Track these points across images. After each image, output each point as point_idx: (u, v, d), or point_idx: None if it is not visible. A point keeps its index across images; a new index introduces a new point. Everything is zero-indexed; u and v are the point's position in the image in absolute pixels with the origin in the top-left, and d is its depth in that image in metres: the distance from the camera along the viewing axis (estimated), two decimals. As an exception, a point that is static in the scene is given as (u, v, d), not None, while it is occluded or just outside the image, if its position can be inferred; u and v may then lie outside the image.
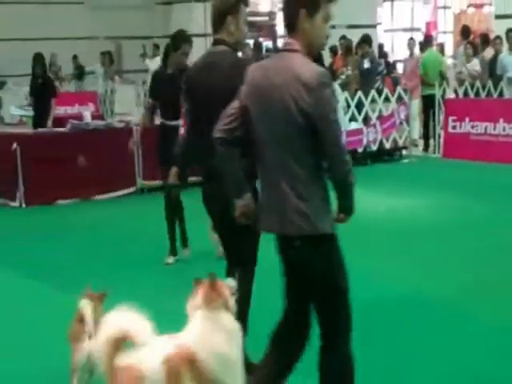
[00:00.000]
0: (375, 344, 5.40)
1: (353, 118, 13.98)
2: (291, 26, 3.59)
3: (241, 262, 4.79)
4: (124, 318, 3.33)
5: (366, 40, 15.97)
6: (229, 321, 3.61)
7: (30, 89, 12.97)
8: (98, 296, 4.58)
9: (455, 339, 5.56)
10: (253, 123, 3.61)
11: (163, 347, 3.41)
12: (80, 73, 22.80)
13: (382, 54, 16.92)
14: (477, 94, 14.66)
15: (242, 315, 4.62)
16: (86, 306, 4.35)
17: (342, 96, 13.85)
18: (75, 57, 22.97)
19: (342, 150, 3.59)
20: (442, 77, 15.29)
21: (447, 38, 25.65)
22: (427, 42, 16.74)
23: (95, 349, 3.77)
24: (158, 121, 7.98)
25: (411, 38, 19.28)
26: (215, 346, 3.52)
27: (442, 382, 4.87)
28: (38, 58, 12.62)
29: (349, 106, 14.00)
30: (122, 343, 3.31)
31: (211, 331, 3.55)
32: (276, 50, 18.28)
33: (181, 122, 7.37)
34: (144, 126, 8.30)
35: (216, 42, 4.78)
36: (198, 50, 27.26)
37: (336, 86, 13.99)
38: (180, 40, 7.46)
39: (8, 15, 24.92)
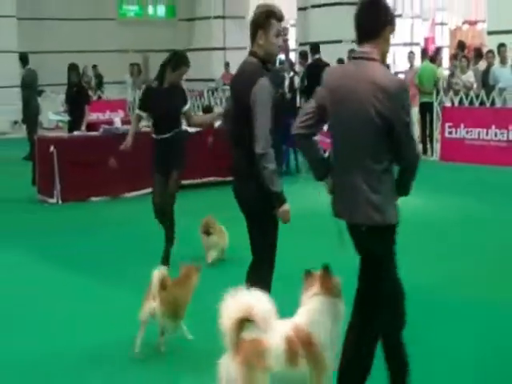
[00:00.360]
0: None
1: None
2: (373, 36, 3.67)
3: (256, 253, 4.78)
4: (249, 299, 3.44)
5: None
6: (338, 306, 3.83)
7: (66, 96, 12.97)
8: (191, 268, 5.18)
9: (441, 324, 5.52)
10: (330, 121, 3.78)
11: (283, 327, 3.62)
12: (99, 81, 22.70)
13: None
14: (471, 102, 14.58)
15: None
16: (155, 275, 4.83)
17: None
18: (95, 66, 23.01)
19: (415, 147, 3.78)
20: (437, 86, 15.17)
21: (444, 52, 25.49)
22: (424, 54, 16.60)
23: (155, 308, 4.78)
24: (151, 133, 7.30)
25: (411, 52, 19.31)
26: (326, 328, 3.74)
27: (434, 367, 4.74)
28: (73, 68, 12.63)
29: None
30: (245, 321, 3.41)
31: (323, 315, 3.76)
32: (290, 63, 18.23)
33: (175, 131, 7.01)
34: (126, 146, 7.23)
35: (249, 53, 4.78)
36: (219, 63, 27.13)
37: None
38: (180, 62, 7.00)
39: (45, 30, 25.00)
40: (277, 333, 3.52)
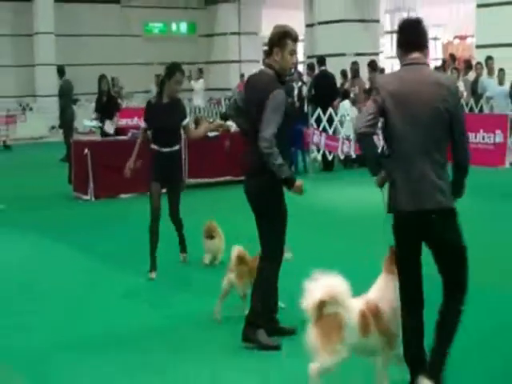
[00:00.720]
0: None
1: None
2: (422, 46, 3.83)
3: (264, 247, 4.84)
4: (330, 283, 3.65)
5: (371, 64, 15.80)
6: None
7: (96, 105, 13.00)
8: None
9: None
10: (391, 121, 3.75)
11: (357, 303, 3.81)
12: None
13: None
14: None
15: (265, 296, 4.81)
16: (233, 252, 5.06)
17: (352, 110, 13.67)
18: (113, 79, 23.20)
19: (468, 147, 3.82)
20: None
21: (438, 63, 25.42)
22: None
23: (233, 279, 5.09)
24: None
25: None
26: (392, 303, 3.86)
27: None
28: (102, 79, 12.68)
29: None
30: (326, 302, 3.65)
31: (389, 291, 3.88)
32: (299, 74, 18.22)
33: (176, 147, 6.76)
34: (129, 167, 6.80)
35: (266, 65, 4.92)
36: (235, 74, 27.14)
37: (346, 101, 13.87)
38: (173, 69, 6.59)
39: (80, 46, 25.12)
40: (352, 308, 3.75)
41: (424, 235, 3.78)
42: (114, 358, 4.71)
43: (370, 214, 6.33)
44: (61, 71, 15.54)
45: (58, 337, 5.16)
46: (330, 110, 13.55)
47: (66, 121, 15.38)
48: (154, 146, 6.66)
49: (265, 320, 4.83)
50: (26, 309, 5.76)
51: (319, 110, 13.55)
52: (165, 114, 6.57)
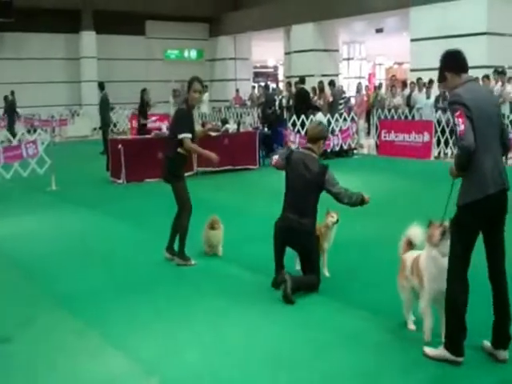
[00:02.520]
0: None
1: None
2: (468, 68, 3.57)
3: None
4: (413, 229, 3.95)
5: (331, 83, 15.77)
6: (433, 250, 3.66)
7: (140, 109, 13.26)
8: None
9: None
10: (476, 124, 3.32)
11: (413, 254, 3.89)
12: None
13: (342, 92, 16.67)
14: (399, 117, 14.51)
15: None
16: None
17: (323, 119, 13.61)
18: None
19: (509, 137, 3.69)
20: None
21: (382, 83, 25.40)
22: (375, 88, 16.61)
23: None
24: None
25: (359, 83, 19.20)
26: (426, 263, 3.68)
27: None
28: (144, 91, 13.15)
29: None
30: (411, 242, 3.98)
31: (426, 256, 3.72)
32: (279, 90, 18.01)
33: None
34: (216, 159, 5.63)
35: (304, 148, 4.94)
36: (231, 89, 27.02)
37: (320, 113, 13.73)
38: (192, 80, 5.46)
39: (116, 67, 24.86)
40: (410, 258, 3.88)
41: (503, 211, 3.43)
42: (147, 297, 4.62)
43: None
44: (101, 86, 15.36)
45: (108, 282, 5.06)
46: (303, 116, 13.46)
47: (105, 124, 15.27)
48: (180, 150, 5.43)
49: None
50: (85, 263, 5.66)
51: (294, 117, 13.48)
52: (188, 118, 5.52)
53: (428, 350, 3.53)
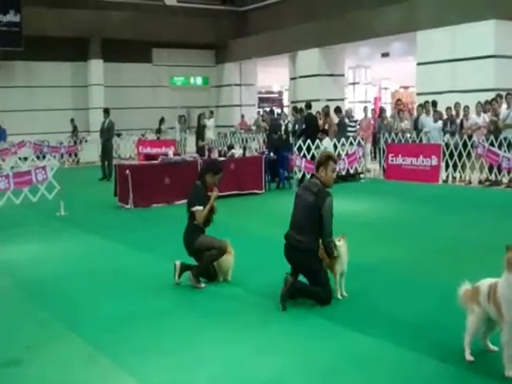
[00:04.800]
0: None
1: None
2: None
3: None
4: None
5: (338, 109, 15.92)
6: None
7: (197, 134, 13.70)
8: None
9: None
10: None
11: (488, 282, 3.67)
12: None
13: (349, 116, 16.82)
14: (406, 140, 14.59)
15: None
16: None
17: (329, 144, 13.74)
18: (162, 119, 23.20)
19: None
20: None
21: (388, 107, 25.58)
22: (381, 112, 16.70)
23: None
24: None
25: (365, 107, 19.31)
26: (504, 292, 3.48)
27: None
28: (201, 116, 13.67)
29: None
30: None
31: (504, 286, 3.47)
32: (285, 115, 18.21)
33: None
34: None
35: (312, 176, 5.23)
36: (237, 115, 27.35)
37: (327, 138, 13.82)
38: (207, 170, 5.80)
39: (122, 94, 25.06)
40: (486, 284, 3.66)
41: None
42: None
43: (343, 215, 6.31)
44: (107, 111, 15.59)
45: (119, 307, 5.05)
46: (309, 141, 13.50)
47: (111, 150, 15.47)
48: (196, 222, 5.69)
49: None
50: (95, 288, 5.67)
51: (300, 141, 13.49)
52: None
53: None
